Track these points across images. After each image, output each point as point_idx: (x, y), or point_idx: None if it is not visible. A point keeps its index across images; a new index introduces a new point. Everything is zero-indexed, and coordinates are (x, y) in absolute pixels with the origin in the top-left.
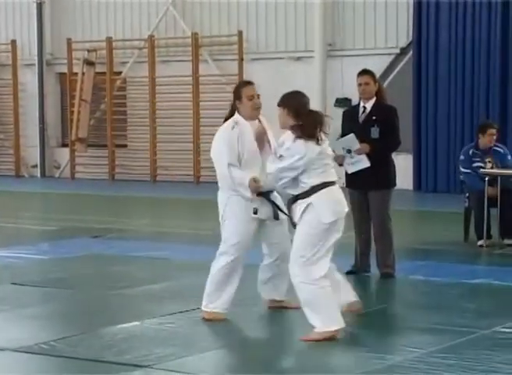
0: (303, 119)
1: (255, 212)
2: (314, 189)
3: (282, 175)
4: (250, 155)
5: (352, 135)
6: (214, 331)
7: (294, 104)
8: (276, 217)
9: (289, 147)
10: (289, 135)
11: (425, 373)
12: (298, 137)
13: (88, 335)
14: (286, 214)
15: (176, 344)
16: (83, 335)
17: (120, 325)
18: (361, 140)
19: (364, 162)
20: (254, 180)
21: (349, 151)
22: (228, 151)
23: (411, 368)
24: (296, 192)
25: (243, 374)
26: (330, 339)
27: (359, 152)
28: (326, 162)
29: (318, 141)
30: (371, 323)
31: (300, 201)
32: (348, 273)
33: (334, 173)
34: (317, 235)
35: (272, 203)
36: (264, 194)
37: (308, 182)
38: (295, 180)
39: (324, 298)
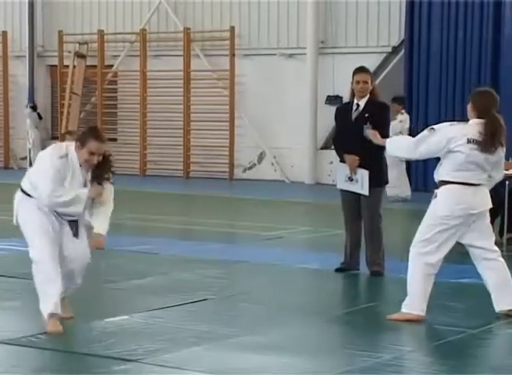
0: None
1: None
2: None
3: None
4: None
5: (366, 173)
6: (203, 326)
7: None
8: (76, 235)
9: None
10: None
11: (413, 372)
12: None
13: (76, 329)
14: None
15: (165, 338)
16: (72, 329)
17: (109, 319)
18: (353, 137)
19: (363, 189)
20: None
21: (350, 179)
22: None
23: (399, 366)
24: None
25: (232, 368)
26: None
27: (352, 168)
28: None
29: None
30: (358, 321)
31: None
32: (337, 270)
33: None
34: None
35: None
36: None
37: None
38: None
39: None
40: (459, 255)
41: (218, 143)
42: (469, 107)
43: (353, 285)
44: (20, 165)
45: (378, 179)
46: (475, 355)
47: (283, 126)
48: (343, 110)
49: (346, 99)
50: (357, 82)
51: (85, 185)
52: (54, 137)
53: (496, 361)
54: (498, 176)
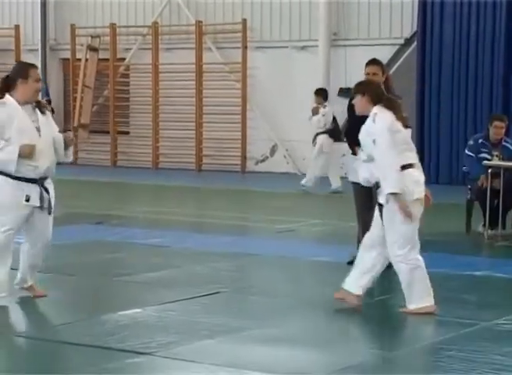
0: (385, 105)
1: (27, 200)
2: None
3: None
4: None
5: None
6: (216, 319)
7: (372, 88)
8: (42, 206)
9: (374, 132)
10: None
11: (427, 365)
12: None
13: (90, 322)
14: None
15: (178, 331)
16: (85, 322)
17: (122, 312)
18: None
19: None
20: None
21: None
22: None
23: (413, 359)
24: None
25: (245, 361)
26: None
27: None
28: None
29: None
30: (373, 313)
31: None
32: (349, 263)
33: (413, 156)
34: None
35: (42, 191)
36: (39, 181)
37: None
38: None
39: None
40: (472, 247)
41: (231, 136)
42: (365, 99)
43: None
44: None
45: None
46: (489, 347)
47: (295, 118)
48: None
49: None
50: (367, 74)
51: (38, 129)
52: (66, 131)
53: (510, 354)
54: None
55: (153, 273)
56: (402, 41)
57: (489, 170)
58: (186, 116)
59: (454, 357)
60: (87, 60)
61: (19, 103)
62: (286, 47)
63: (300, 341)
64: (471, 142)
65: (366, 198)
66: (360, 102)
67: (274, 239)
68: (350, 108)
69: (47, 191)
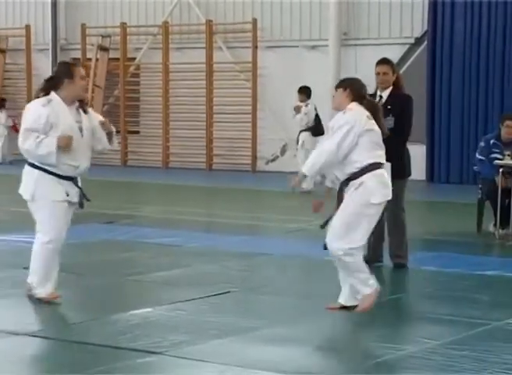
0: (363, 103)
1: (67, 194)
2: (367, 169)
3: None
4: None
5: (388, 166)
6: (226, 319)
7: (356, 86)
8: (81, 205)
9: (339, 120)
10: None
11: (439, 364)
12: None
13: (101, 321)
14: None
15: (189, 331)
16: (96, 321)
17: (133, 311)
18: None
19: None
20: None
21: None
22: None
23: (424, 359)
24: (345, 174)
25: (255, 361)
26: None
27: None
28: (375, 140)
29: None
30: (384, 313)
31: (352, 183)
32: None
33: (383, 155)
34: (358, 210)
35: (80, 189)
36: (74, 179)
37: (359, 160)
38: (344, 160)
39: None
40: (483, 247)
41: (241, 135)
42: (345, 95)
43: (376, 277)
44: None
45: (400, 171)
46: (500, 347)
47: None
48: None
49: (369, 91)
50: (378, 74)
51: (80, 129)
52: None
53: None
54: None
55: (163, 272)
56: (412, 41)
57: (501, 170)
58: (197, 116)
59: (466, 357)
60: (97, 60)
61: (65, 102)
62: (297, 46)
63: (310, 340)
64: (481, 144)
65: None
66: (339, 97)
67: (285, 238)
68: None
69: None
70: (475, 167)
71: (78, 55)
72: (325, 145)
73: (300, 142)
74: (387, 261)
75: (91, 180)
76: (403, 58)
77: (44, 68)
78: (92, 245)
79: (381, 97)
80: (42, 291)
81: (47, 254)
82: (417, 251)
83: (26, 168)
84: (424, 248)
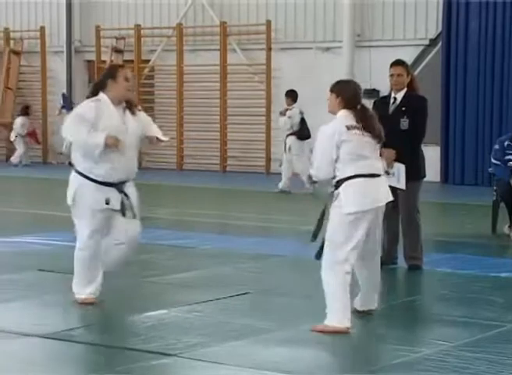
0: (354, 112)
1: (107, 203)
2: (345, 180)
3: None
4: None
5: (403, 167)
6: (241, 320)
7: (348, 95)
8: (123, 214)
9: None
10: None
11: (453, 367)
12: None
13: (116, 322)
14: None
15: (204, 333)
16: (112, 322)
17: (148, 313)
18: (391, 131)
19: (399, 183)
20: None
21: (386, 173)
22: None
23: (439, 361)
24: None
25: (271, 363)
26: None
27: (388, 161)
28: (362, 152)
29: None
30: (398, 315)
31: (334, 193)
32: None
33: (373, 165)
34: (339, 225)
35: (123, 197)
36: (118, 185)
37: (338, 172)
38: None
39: (337, 291)
40: (498, 249)
41: (255, 137)
42: (337, 101)
43: (391, 279)
44: (59, 160)
45: (415, 172)
46: None
47: (319, 120)
48: (380, 103)
49: (383, 93)
50: (392, 75)
51: (126, 131)
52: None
53: None
54: None
55: (178, 274)
56: (427, 42)
57: None
58: (211, 118)
59: (480, 359)
60: (111, 62)
61: (112, 103)
62: (311, 48)
63: (326, 342)
64: (496, 146)
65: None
66: (332, 102)
67: (299, 240)
68: (375, 108)
69: (126, 195)
70: (490, 169)
71: (92, 57)
72: (316, 152)
73: (287, 146)
74: (402, 262)
75: None
76: (418, 60)
77: (58, 70)
78: None
79: (395, 98)
80: (79, 294)
81: (82, 259)
82: (432, 252)
83: (72, 174)
84: (438, 250)
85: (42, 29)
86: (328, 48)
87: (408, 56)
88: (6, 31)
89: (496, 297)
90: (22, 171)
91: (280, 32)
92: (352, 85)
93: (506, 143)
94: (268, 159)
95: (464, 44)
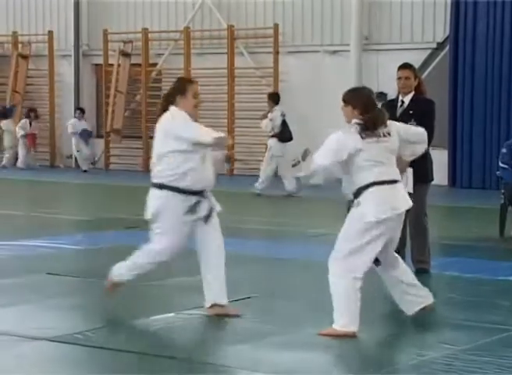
0: (365, 119)
1: (193, 211)
2: (365, 187)
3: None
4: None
5: (410, 170)
6: (248, 324)
7: (362, 106)
8: (206, 220)
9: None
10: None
11: (460, 370)
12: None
13: (122, 326)
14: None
15: (211, 336)
16: (118, 326)
17: (155, 316)
18: None
19: (407, 186)
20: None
21: None
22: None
23: (446, 364)
24: (351, 192)
25: (277, 366)
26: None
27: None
28: (379, 159)
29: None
30: (405, 318)
31: (355, 201)
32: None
33: (390, 172)
34: (356, 232)
35: (209, 202)
36: (201, 193)
37: (357, 181)
38: (350, 179)
39: (347, 296)
40: (505, 252)
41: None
42: (355, 112)
43: None
44: (66, 163)
45: (423, 176)
46: None
47: (327, 123)
48: (388, 107)
49: (390, 96)
50: (399, 78)
51: None
52: (98, 136)
53: None
54: None
55: (185, 277)
56: (434, 45)
57: None
58: (218, 121)
59: (487, 363)
60: (119, 65)
61: None
62: (318, 51)
63: (333, 346)
64: (503, 150)
65: None
66: (348, 113)
67: (306, 243)
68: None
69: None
70: (498, 172)
71: (100, 60)
72: (317, 157)
73: (268, 147)
74: (409, 266)
75: (113, 185)
76: (425, 63)
77: (66, 74)
78: (114, 250)
79: (403, 102)
80: None
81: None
82: (440, 256)
83: (151, 191)
84: (446, 253)
85: (50, 33)
86: (335, 52)
87: (416, 59)
88: (14, 35)
89: (503, 301)
90: (29, 174)
91: (287, 35)
92: (364, 93)
93: None
94: None
95: (472, 47)
